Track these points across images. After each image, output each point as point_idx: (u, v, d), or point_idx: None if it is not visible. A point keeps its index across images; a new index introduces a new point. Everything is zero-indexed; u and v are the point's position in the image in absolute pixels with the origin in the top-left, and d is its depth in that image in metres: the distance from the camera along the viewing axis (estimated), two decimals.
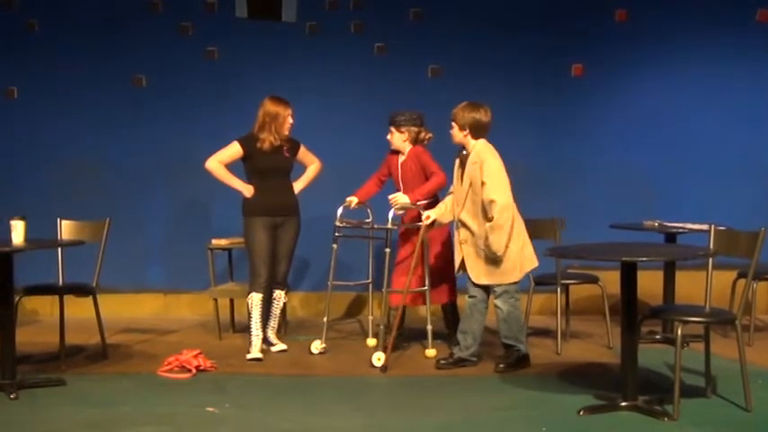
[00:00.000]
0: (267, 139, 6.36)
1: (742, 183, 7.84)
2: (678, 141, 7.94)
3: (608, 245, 5.52)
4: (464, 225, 5.87)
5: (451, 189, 6.05)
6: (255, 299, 6.39)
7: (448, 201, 6.06)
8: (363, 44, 8.03)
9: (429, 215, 6.07)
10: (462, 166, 5.90)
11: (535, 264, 5.97)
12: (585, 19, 7.98)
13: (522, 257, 5.84)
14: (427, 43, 7.99)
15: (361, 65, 8.01)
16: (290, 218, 6.51)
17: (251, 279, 6.46)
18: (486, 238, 5.71)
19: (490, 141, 5.90)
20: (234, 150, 6.41)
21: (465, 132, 5.83)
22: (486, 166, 5.73)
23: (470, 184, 5.79)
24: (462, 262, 5.92)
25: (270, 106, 6.39)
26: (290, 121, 6.44)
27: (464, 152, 5.90)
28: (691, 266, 6.54)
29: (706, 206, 7.41)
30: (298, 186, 6.66)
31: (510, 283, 5.82)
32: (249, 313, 6.45)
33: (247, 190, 6.42)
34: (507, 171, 5.84)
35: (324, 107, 7.90)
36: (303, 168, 6.75)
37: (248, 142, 6.40)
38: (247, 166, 6.48)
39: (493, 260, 5.74)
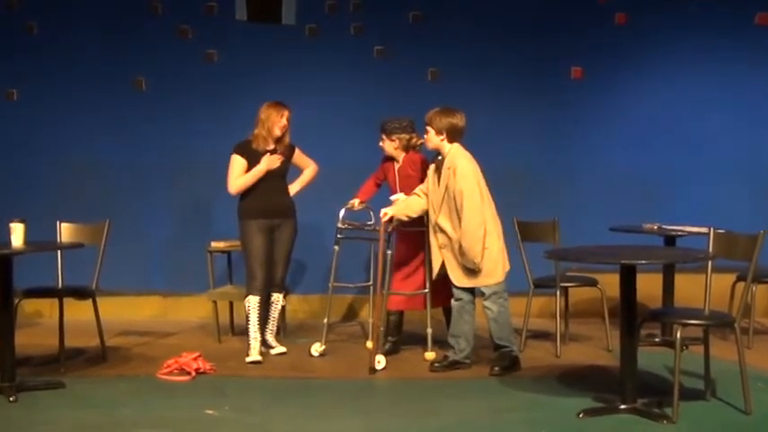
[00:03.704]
0: (260, 136, 6.41)
1: (741, 185, 7.84)
2: (677, 144, 7.94)
3: (607, 247, 5.52)
4: (441, 230, 5.90)
5: (417, 190, 6.08)
6: (253, 302, 6.40)
7: (409, 199, 6.08)
8: (363, 47, 8.03)
9: (386, 212, 6.09)
10: (438, 171, 5.92)
11: (508, 267, 5.97)
12: (585, 22, 7.99)
13: (503, 257, 5.87)
14: (427, 46, 7.99)
15: (360, 67, 8.02)
16: (286, 220, 6.52)
17: (247, 282, 6.47)
18: (461, 246, 5.72)
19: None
20: (240, 164, 6.43)
21: (442, 137, 5.87)
22: (458, 170, 5.75)
23: (446, 189, 5.81)
24: (442, 266, 5.94)
25: (264, 110, 6.44)
26: (284, 122, 6.45)
27: (439, 157, 5.93)
28: (690, 269, 6.55)
29: (705, 209, 7.40)
30: (293, 189, 6.67)
31: (496, 284, 5.84)
32: (247, 316, 6.45)
33: (268, 161, 6.40)
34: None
35: (323, 109, 7.90)
36: (299, 172, 6.76)
37: (244, 149, 6.44)
38: (244, 170, 6.49)
39: (472, 267, 5.76)
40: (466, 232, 5.72)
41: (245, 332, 6.61)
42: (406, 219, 6.13)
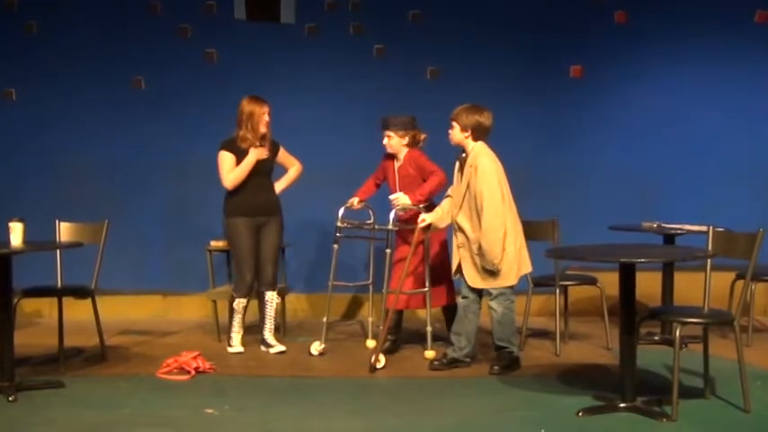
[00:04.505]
0: (246, 138, 6.43)
1: (740, 184, 7.84)
2: (677, 143, 7.95)
3: (607, 246, 5.52)
4: (461, 229, 5.87)
5: (449, 192, 6.06)
6: (240, 305, 6.54)
7: (444, 204, 6.05)
8: (362, 46, 8.03)
9: (424, 218, 6.07)
10: (461, 168, 5.90)
11: (530, 269, 5.97)
12: (584, 20, 7.99)
13: (519, 260, 5.84)
14: (426, 45, 7.99)
15: (359, 66, 8.02)
16: (272, 218, 6.55)
17: (236, 282, 6.54)
18: (480, 246, 5.72)
19: (490, 142, 5.91)
20: (230, 159, 6.46)
21: (467, 134, 5.82)
22: (480, 170, 5.73)
23: (467, 187, 5.79)
24: (459, 265, 5.93)
25: (245, 106, 6.47)
26: (266, 118, 6.47)
27: (463, 155, 5.90)
28: (689, 268, 6.53)
29: (705, 207, 7.40)
30: (278, 187, 6.70)
31: (506, 286, 5.83)
32: (231, 315, 6.58)
33: (257, 152, 6.43)
34: (506, 173, 5.84)
35: (322, 108, 7.91)
36: (283, 171, 6.78)
37: (232, 147, 6.46)
38: (234, 164, 6.50)
39: (491, 269, 5.75)
40: (486, 234, 5.69)
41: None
42: (443, 226, 6.11)
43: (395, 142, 6.40)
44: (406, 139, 6.38)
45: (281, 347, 6.57)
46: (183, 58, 8.02)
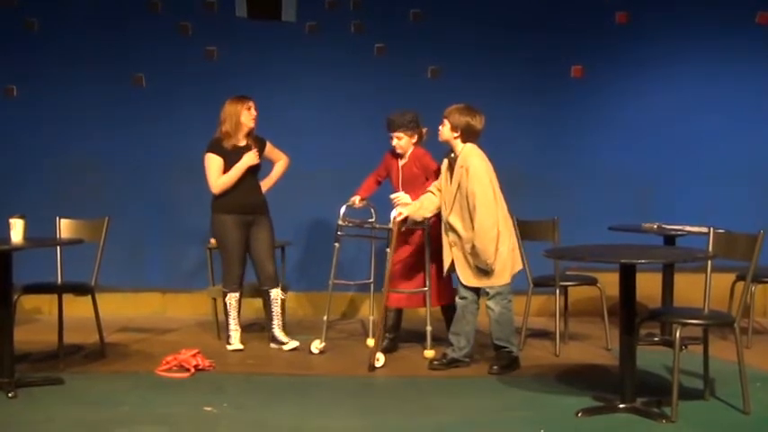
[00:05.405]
0: (229, 135, 6.46)
1: (741, 185, 7.84)
2: (677, 143, 7.95)
3: (607, 247, 5.51)
4: (452, 228, 5.88)
5: (431, 187, 6.06)
6: (233, 299, 6.54)
7: (423, 198, 6.06)
8: (363, 44, 8.03)
9: (401, 212, 6.08)
10: (450, 168, 5.90)
11: (521, 266, 5.98)
12: (585, 21, 7.98)
13: (512, 259, 5.86)
14: (427, 44, 7.99)
15: (360, 65, 8.01)
16: (261, 216, 6.57)
17: (225, 278, 6.55)
18: (473, 246, 5.72)
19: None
20: (218, 162, 6.48)
21: (456, 134, 5.83)
22: (471, 170, 5.73)
23: (458, 187, 5.80)
24: (452, 264, 5.93)
25: (226, 107, 6.51)
26: (254, 113, 6.50)
27: (452, 155, 5.91)
28: (689, 269, 6.55)
29: (705, 208, 7.41)
30: (265, 186, 6.72)
31: (502, 285, 5.84)
32: (227, 313, 6.57)
33: (250, 158, 6.45)
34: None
35: (323, 107, 7.91)
36: (271, 165, 6.79)
37: (218, 147, 6.48)
38: (221, 167, 6.52)
39: (484, 268, 5.75)
40: (479, 233, 5.70)
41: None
42: (420, 219, 6.12)
43: (405, 143, 6.37)
44: (415, 137, 6.38)
45: (295, 343, 6.56)
46: (184, 56, 8.01)
